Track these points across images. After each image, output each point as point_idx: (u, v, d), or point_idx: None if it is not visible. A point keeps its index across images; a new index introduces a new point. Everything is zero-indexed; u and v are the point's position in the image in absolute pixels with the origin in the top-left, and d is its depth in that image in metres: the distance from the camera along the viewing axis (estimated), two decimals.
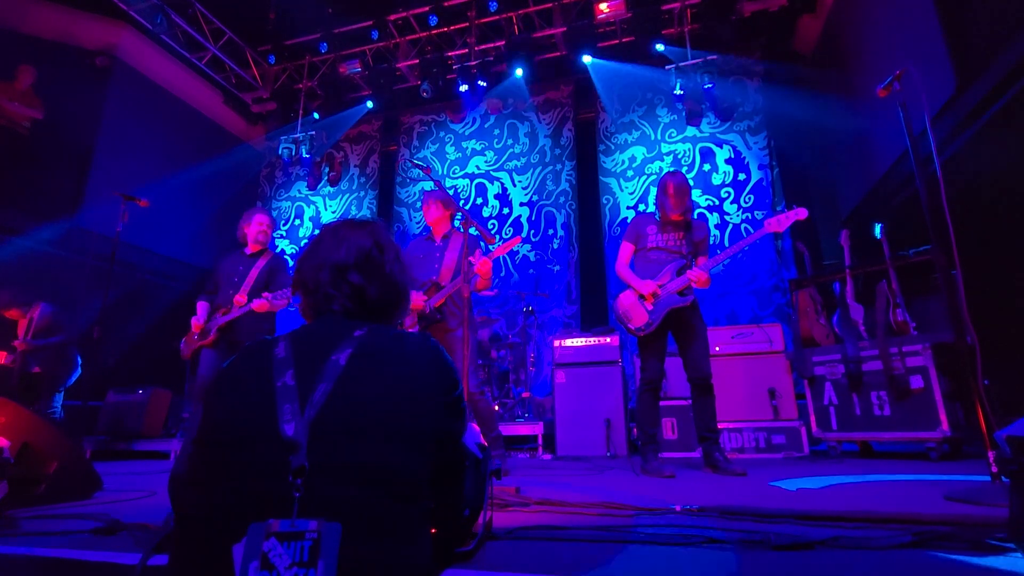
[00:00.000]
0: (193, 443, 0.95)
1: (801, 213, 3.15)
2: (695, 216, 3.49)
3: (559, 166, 7.31)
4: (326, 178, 8.27)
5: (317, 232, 1.23)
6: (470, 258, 2.98)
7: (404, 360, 0.97)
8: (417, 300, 3.31)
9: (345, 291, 1.11)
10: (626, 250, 3.47)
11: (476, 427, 1.71)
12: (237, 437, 0.88)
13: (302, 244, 8.06)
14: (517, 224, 7.22)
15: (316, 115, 8.04)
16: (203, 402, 0.97)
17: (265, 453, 0.84)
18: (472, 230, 2.90)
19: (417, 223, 7.74)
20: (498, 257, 3.27)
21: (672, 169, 6.20)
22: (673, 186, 3.31)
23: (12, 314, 4.89)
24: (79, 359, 5.03)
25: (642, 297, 3.27)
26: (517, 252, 7.09)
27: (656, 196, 3.44)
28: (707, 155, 6.69)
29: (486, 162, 7.65)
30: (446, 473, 1.02)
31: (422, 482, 0.91)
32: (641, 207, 6.70)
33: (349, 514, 0.79)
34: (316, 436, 0.84)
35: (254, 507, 0.80)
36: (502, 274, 7.02)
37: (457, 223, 3.60)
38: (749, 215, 6.33)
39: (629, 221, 3.57)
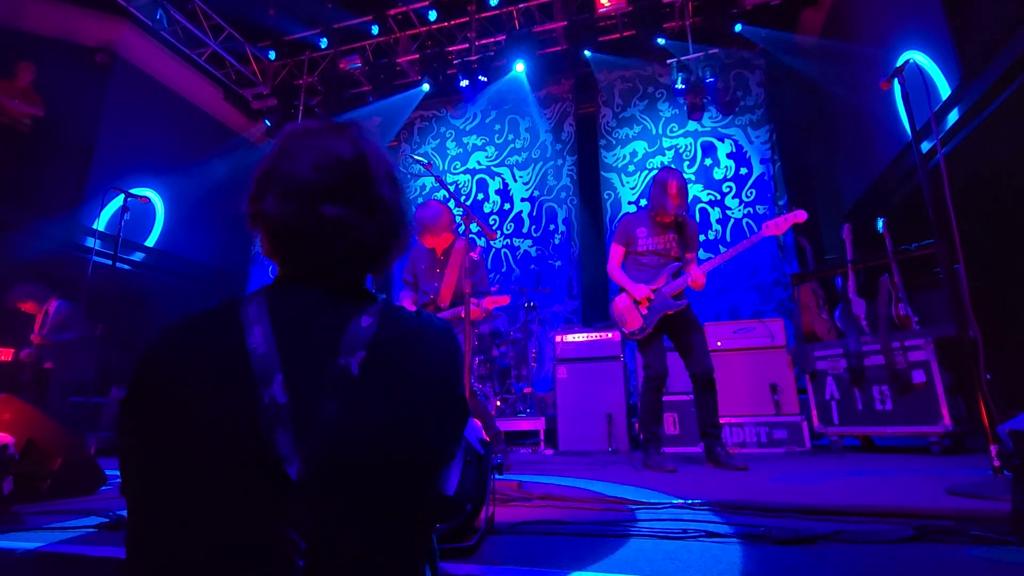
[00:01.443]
0: (128, 475, 0.68)
1: (800, 216, 3.15)
2: (688, 214, 3.48)
3: (560, 161, 7.29)
4: None
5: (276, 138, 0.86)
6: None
7: (426, 362, 0.76)
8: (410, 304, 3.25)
9: (324, 234, 0.78)
10: (617, 252, 3.44)
11: (478, 422, 1.71)
12: (205, 471, 0.63)
13: None
14: (518, 219, 7.21)
15: (316, 111, 8.03)
16: (129, 413, 0.68)
17: (248, 495, 0.62)
18: (473, 226, 2.90)
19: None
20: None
21: (668, 165, 6.16)
22: (676, 185, 3.27)
23: (28, 307, 4.93)
24: (91, 357, 5.04)
25: (636, 301, 3.28)
26: (518, 248, 7.08)
27: (652, 194, 3.38)
28: (709, 149, 6.66)
29: (487, 157, 7.63)
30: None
31: (433, 501, 0.75)
32: (643, 202, 6.68)
33: (351, 558, 0.63)
34: (320, 473, 0.63)
35: (229, 566, 0.60)
36: (503, 270, 7.02)
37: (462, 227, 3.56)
38: (751, 210, 6.30)
39: (619, 222, 3.54)
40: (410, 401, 0.71)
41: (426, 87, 7.55)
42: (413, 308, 3.14)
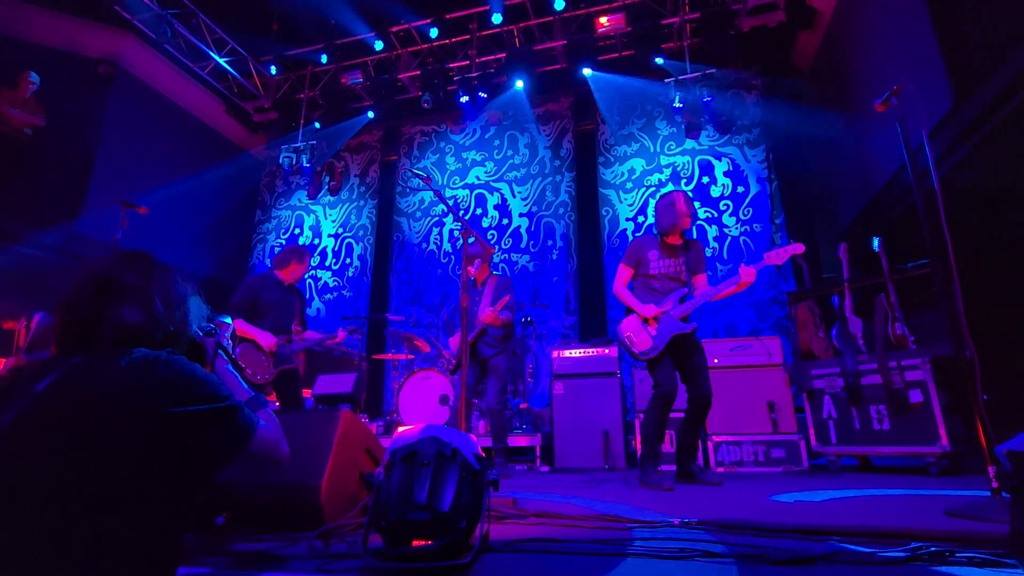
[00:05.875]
0: None
1: (798, 248, 3.20)
2: (693, 235, 3.58)
3: (558, 177, 7.34)
4: (326, 187, 8.29)
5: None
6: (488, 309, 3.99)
7: (108, 387, 1.00)
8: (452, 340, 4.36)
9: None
10: (625, 273, 3.48)
11: (474, 438, 1.70)
12: None
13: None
14: (516, 234, 7.23)
15: (317, 124, 8.09)
16: None
17: None
18: (471, 239, 2.91)
19: (417, 232, 7.75)
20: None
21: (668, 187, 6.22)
22: (683, 198, 3.37)
23: (9, 324, 4.85)
24: None
25: (645, 321, 3.30)
26: (516, 262, 7.09)
27: (660, 214, 3.44)
28: (706, 168, 6.72)
29: (486, 173, 7.68)
30: None
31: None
32: (640, 219, 6.73)
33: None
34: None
35: None
36: None
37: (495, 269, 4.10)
38: (748, 228, 6.34)
39: (629, 244, 3.61)
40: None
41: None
42: (455, 341, 3.57)
